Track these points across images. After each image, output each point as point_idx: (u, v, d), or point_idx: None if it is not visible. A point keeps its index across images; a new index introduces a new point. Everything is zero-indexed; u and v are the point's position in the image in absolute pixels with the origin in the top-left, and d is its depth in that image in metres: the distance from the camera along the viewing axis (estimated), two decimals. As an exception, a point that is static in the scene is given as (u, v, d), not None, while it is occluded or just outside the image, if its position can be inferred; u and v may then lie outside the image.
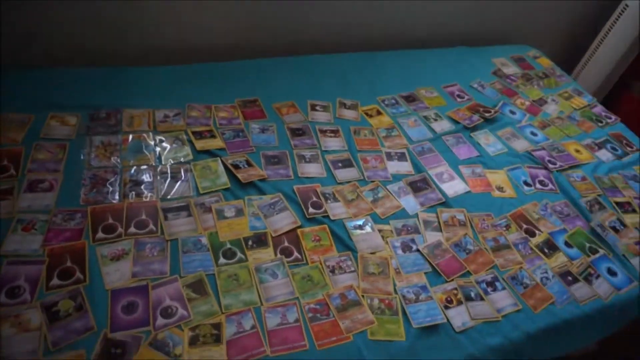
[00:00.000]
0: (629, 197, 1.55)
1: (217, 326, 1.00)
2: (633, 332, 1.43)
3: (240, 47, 1.85)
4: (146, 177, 1.28)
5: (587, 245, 1.35)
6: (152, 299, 1.01)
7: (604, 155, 1.71)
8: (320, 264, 1.16)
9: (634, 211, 1.50)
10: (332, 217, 1.27)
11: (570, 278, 1.26)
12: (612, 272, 1.30)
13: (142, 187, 1.25)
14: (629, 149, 1.78)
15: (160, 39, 1.72)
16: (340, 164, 1.44)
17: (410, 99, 1.78)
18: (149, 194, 1.23)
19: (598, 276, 1.28)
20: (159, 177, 1.29)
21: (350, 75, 1.84)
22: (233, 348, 0.97)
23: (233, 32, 1.81)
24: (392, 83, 1.85)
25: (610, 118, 1.93)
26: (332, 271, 1.15)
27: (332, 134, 1.55)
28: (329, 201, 1.31)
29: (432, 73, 1.95)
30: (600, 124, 1.88)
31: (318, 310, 1.07)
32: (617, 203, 1.51)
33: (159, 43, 1.73)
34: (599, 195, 1.52)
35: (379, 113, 1.68)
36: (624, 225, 1.44)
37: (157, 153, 1.35)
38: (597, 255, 1.33)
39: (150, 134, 1.41)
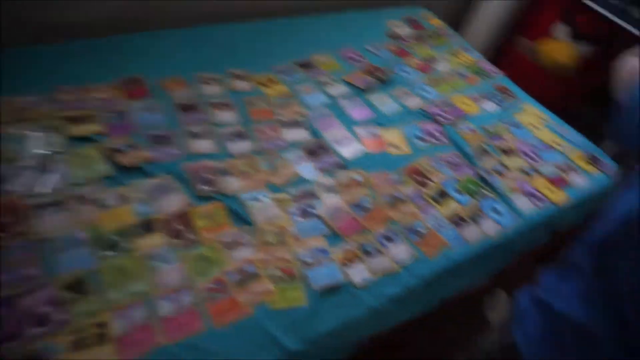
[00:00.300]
0: (510, 142, 1.66)
1: (102, 325, 0.92)
2: (521, 264, 1.56)
3: (119, 20, 1.69)
4: (8, 174, 1.13)
5: (475, 190, 1.44)
6: (21, 308, 0.90)
7: (489, 106, 1.83)
8: (215, 241, 1.11)
9: (514, 154, 1.62)
10: (226, 193, 1.22)
11: (461, 222, 1.33)
12: (497, 212, 1.40)
13: (4, 185, 1.10)
14: (511, 99, 1.91)
15: (25, 13, 1.51)
16: (234, 137, 1.39)
17: (305, 65, 1.75)
18: (13, 192, 1.09)
19: (486, 217, 1.37)
20: (24, 172, 1.14)
21: (242, 46, 1.76)
22: (123, 344, 0.90)
23: (110, 4, 1.64)
24: (286, 51, 1.80)
25: (495, 72, 2.06)
26: (229, 247, 1.11)
27: (225, 107, 1.48)
28: (222, 176, 1.26)
29: (327, 38, 1.92)
30: (486, 78, 1.99)
31: (215, 289, 1.03)
32: (500, 149, 1.62)
33: (23, 18, 1.51)
34: (484, 143, 1.62)
35: (273, 82, 1.63)
36: (507, 168, 1.55)
37: (22, 145, 1.20)
38: (484, 199, 1.42)
39: (12, 124, 1.24)
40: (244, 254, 1.11)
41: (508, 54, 2.66)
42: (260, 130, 1.43)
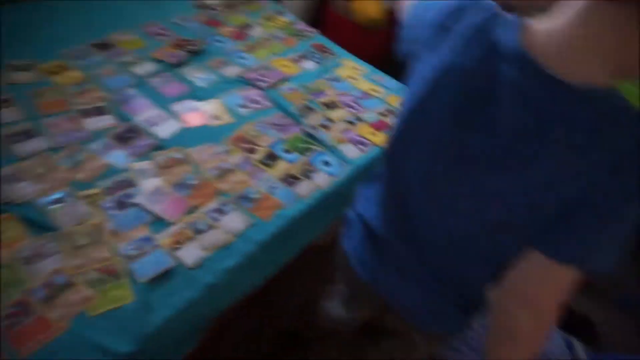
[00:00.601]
0: (332, 96, 1.74)
1: None
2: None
3: None
4: None
5: (304, 147, 1.48)
6: None
7: (309, 65, 1.87)
8: (11, 260, 0.94)
9: (337, 107, 1.70)
10: (17, 201, 1.04)
11: (293, 180, 1.35)
12: (327, 164, 1.45)
13: None
14: (330, 56, 1.99)
15: None
16: (20, 137, 1.18)
17: (103, 46, 1.56)
18: None
19: (317, 171, 1.41)
20: None
21: (21, 31, 1.50)
22: None
23: None
24: (78, 32, 1.58)
25: (311, 32, 2.11)
26: (30, 262, 0.95)
27: (5, 104, 1.25)
28: (10, 184, 1.07)
29: (126, 15, 1.75)
30: (303, 39, 2.03)
31: (16, 314, 0.87)
32: (323, 103, 1.68)
33: None
34: (307, 101, 1.66)
35: (65, 69, 1.43)
36: (332, 121, 1.62)
37: None
38: (313, 154, 1.47)
39: None
40: (50, 265, 0.96)
41: (327, 15, 2.77)
42: (54, 124, 1.24)
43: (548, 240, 0.65)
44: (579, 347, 1.93)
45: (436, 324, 0.85)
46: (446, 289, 0.80)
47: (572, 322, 2.05)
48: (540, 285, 0.65)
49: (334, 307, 1.07)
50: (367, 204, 0.90)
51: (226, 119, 1.46)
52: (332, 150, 1.51)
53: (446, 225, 0.75)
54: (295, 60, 1.86)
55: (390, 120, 1.74)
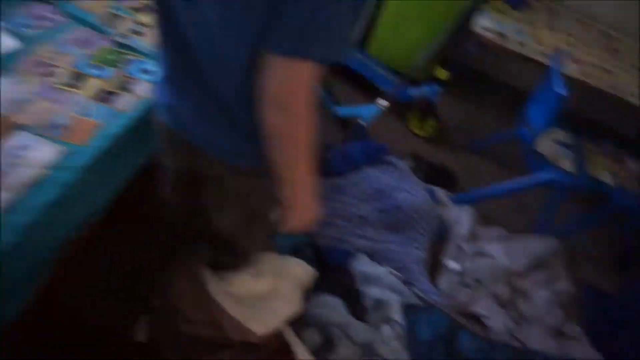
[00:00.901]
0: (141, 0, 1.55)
1: None
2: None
3: None
4: None
5: (116, 58, 1.33)
6: None
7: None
8: None
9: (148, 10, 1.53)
10: None
11: (110, 96, 1.23)
12: (147, 72, 1.33)
13: None
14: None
15: None
16: None
17: None
18: None
19: (137, 81, 1.29)
20: None
21: None
22: None
23: None
24: None
25: None
26: None
27: None
28: None
29: None
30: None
31: None
32: (132, 8, 1.50)
33: None
34: (112, 8, 1.46)
35: None
36: (144, 26, 1.46)
37: None
38: (129, 64, 1.33)
39: None
40: None
41: None
42: None
43: (271, 40, 0.66)
44: (441, 194, 2.18)
45: (236, 157, 0.89)
46: (227, 116, 0.83)
47: (432, 174, 2.31)
48: (281, 85, 0.68)
49: (163, 182, 1.09)
50: (158, 52, 0.91)
51: (10, 44, 1.24)
52: (151, 56, 1.38)
53: (200, 49, 0.78)
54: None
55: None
